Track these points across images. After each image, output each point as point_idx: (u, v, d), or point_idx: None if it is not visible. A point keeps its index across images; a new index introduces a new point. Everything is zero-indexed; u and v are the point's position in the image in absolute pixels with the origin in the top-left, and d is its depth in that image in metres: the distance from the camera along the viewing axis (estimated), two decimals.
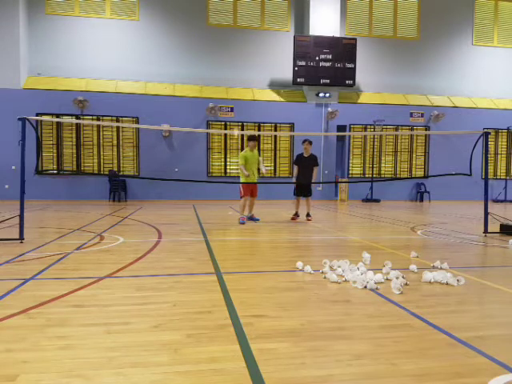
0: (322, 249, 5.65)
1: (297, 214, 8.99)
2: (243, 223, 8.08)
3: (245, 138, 16.04)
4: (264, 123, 16.05)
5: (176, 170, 15.26)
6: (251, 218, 8.53)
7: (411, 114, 17.00)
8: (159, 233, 6.72)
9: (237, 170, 15.96)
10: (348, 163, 16.87)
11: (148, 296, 3.19)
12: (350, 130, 16.45)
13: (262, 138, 16.15)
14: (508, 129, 17.54)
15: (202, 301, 3.09)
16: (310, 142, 8.83)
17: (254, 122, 15.96)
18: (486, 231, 6.83)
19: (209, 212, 10.74)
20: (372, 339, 2.40)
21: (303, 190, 8.88)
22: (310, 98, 16.29)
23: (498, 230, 6.95)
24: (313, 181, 8.71)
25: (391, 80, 17.29)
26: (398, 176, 17.03)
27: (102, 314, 2.78)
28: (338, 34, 16.12)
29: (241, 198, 8.44)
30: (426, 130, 16.87)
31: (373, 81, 17.16)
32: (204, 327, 2.55)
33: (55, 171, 14.98)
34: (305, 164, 8.69)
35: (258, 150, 15.13)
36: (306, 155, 8.76)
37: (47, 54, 14.98)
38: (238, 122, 15.89)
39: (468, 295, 3.36)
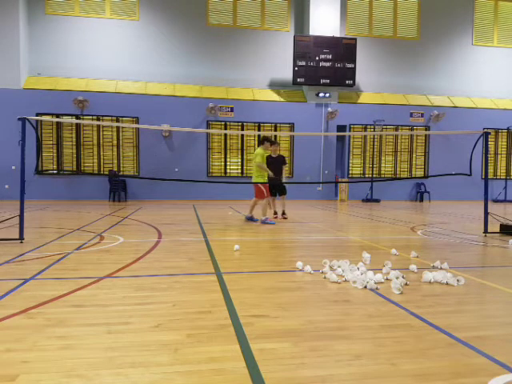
0: (321, 249, 5.64)
1: (275, 213, 9.44)
2: (273, 223, 8.16)
3: (245, 138, 16.04)
4: (264, 123, 16.04)
5: (176, 169, 15.27)
6: (251, 219, 8.52)
7: (411, 114, 17.00)
8: (159, 233, 6.72)
9: (237, 170, 15.97)
10: (348, 163, 16.86)
11: (148, 296, 3.19)
12: (350, 130, 16.45)
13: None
14: (508, 129, 17.54)
15: (202, 301, 3.09)
16: (278, 144, 9.57)
17: (254, 122, 15.96)
18: (485, 231, 6.83)
19: (209, 212, 10.74)
20: (372, 339, 2.40)
21: (276, 189, 9.26)
22: (310, 98, 16.28)
23: (497, 230, 6.96)
24: (283, 179, 9.24)
25: (391, 80, 17.29)
26: (398, 176, 17.02)
27: (102, 314, 2.78)
28: (337, 34, 16.13)
29: (257, 198, 8.37)
30: (425, 129, 16.87)
31: (373, 81, 17.16)
32: (204, 327, 2.55)
33: (55, 171, 14.98)
34: (274, 164, 9.14)
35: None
36: (274, 155, 9.27)
37: (47, 54, 14.98)
38: (238, 122, 15.89)
39: (468, 295, 3.36)
